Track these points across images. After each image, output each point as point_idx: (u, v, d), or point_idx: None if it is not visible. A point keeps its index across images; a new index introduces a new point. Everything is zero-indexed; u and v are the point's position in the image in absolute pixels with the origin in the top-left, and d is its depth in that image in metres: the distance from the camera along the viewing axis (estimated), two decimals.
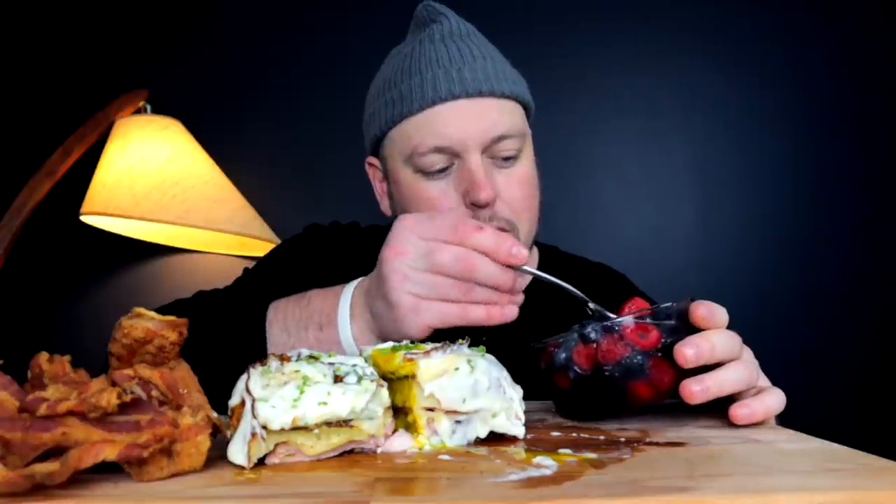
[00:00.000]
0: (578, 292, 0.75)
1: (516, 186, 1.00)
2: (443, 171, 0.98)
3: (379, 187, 1.13)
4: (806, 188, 1.97)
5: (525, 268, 0.74)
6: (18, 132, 1.95)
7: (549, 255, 1.20)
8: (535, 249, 1.18)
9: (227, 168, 1.83)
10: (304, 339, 0.82)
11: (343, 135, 1.79)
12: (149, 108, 1.86)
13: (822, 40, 1.99)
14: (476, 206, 0.96)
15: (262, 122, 1.99)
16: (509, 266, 0.73)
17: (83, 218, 1.73)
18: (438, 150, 0.97)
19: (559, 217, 1.96)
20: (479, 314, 0.73)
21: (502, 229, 0.98)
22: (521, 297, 0.76)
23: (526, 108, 1.06)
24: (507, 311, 0.74)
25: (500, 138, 0.98)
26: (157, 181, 1.67)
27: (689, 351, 0.63)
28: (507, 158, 1.00)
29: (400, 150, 1.01)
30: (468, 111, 0.97)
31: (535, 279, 1.15)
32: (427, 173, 0.98)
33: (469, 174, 0.96)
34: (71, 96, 1.95)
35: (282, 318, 0.85)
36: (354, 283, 0.83)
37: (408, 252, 0.73)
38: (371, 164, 1.12)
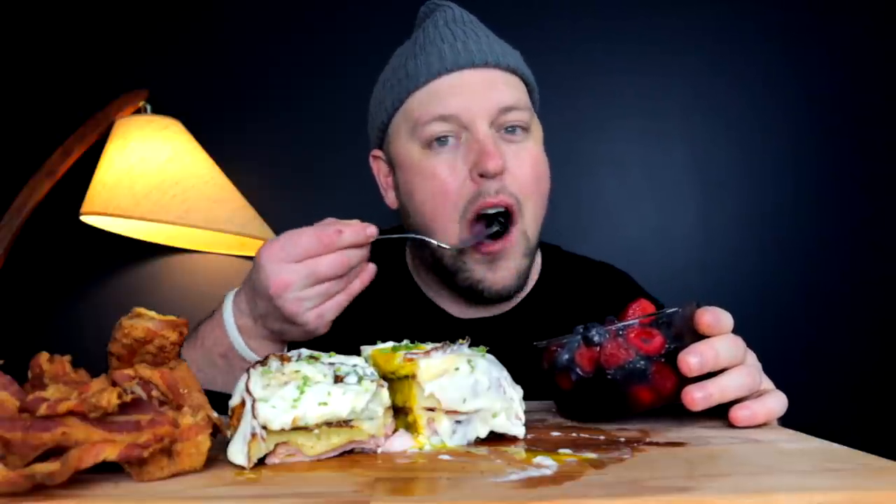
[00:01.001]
0: (428, 239, 0.93)
1: (526, 163, 0.98)
2: (448, 143, 0.96)
3: (384, 181, 1.10)
4: (806, 189, 1.97)
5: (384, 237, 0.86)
6: (18, 132, 1.95)
7: (551, 255, 1.19)
8: (539, 253, 1.16)
9: (227, 168, 1.83)
10: (219, 367, 0.89)
11: (343, 135, 1.80)
12: (149, 108, 1.86)
13: (823, 42, 1.99)
14: (484, 178, 0.94)
15: (262, 122, 1.99)
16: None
17: (83, 218, 1.73)
18: (443, 118, 0.95)
19: (561, 216, 1.96)
20: (357, 287, 0.85)
21: (509, 205, 0.95)
22: (366, 251, 0.85)
23: (530, 90, 1.05)
24: (369, 269, 0.86)
25: (508, 109, 0.96)
26: (157, 181, 1.67)
27: (692, 360, 0.63)
28: (514, 131, 0.98)
29: (405, 127, 0.99)
30: (474, 81, 0.96)
31: (541, 280, 1.16)
32: (433, 147, 0.96)
33: (478, 144, 0.94)
34: (71, 96, 1.95)
35: (190, 361, 0.89)
36: (229, 310, 0.88)
37: (292, 281, 0.80)
38: (375, 157, 1.10)
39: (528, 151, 0.99)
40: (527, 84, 1.04)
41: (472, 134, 0.95)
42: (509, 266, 0.98)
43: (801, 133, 1.98)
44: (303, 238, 0.80)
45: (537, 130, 1.03)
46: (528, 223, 0.99)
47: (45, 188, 1.76)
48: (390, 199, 1.10)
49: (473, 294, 1.02)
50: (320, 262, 0.80)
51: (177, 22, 2.01)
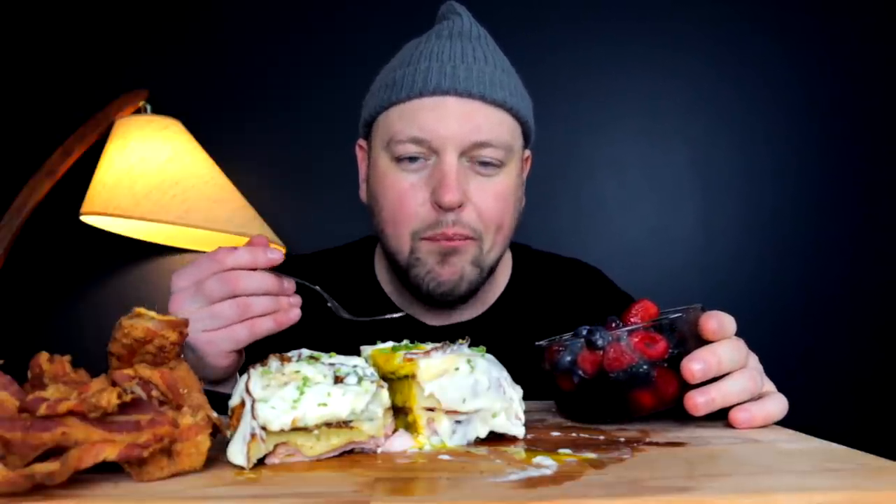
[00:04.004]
0: (329, 299, 0.83)
1: (490, 197, 0.97)
2: (417, 162, 0.96)
3: (363, 172, 1.10)
4: (806, 191, 1.97)
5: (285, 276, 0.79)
6: (18, 132, 1.95)
7: (521, 255, 1.19)
8: (510, 253, 1.16)
9: (227, 168, 1.83)
10: None
11: (343, 135, 1.79)
12: (149, 108, 1.86)
13: (824, 43, 1.99)
14: (440, 208, 0.94)
15: (261, 122, 1.99)
16: (273, 272, 0.78)
17: (83, 218, 1.73)
18: (415, 140, 0.95)
19: (561, 217, 1.96)
20: (266, 325, 0.78)
21: (467, 237, 0.96)
22: (298, 300, 0.80)
23: (523, 125, 1.03)
24: (291, 313, 0.79)
25: (481, 145, 0.95)
26: (157, 181, 1.67)
27: (696, 366, 0.63)
28: (485, 165, 0.97)
29: (382, 135, 1.00)
30: (453, 110, 0.95)
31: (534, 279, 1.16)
32: (402, 164, 0.97)
33: (440, 173, 0.94)
34: (71, 96, 1.95)
35: None
36: None
37: (182, 298, 0.77)
38: (360, 147, 1.11)
39: (495, 186, 0.98)
40: (518, 118, 1.01)
41: (439, 160, 0.95)
42: (456, 264, 0.98)
43: (801, 135, 1.98)
44: (198, 260, 0.78)
45: (514, 164, 1.01)
46: (485, 245, 0.99)
47: (45, 188, 1.76)
48: (363, 191, 1.10)
49: (420, 292, 1.01)
50: (208, 280, 0.76)
51: (177, 22, 2.01)
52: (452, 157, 0.94)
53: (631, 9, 2.00)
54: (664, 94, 1.99)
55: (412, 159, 0.96)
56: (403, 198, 0.96)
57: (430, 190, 0.95)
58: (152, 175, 1.67)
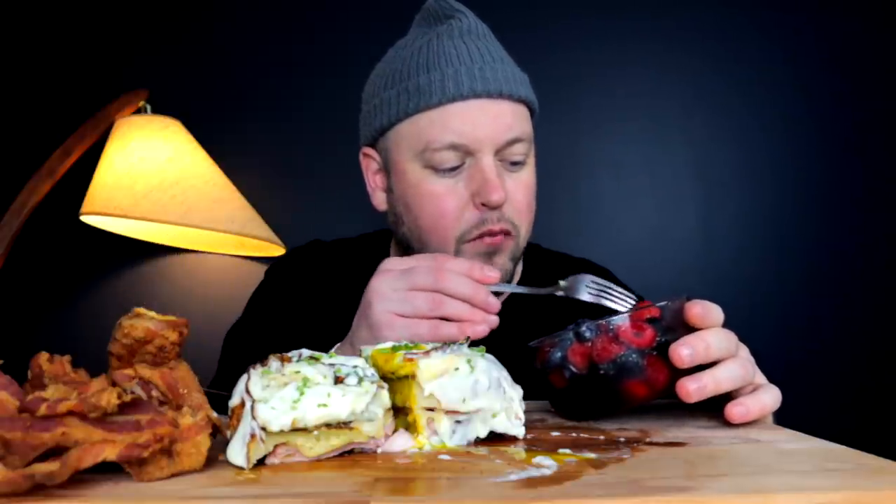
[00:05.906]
0: (548, 290, 0.86)
1: (521, 192, 1.01)
2: (453, 169, 0.98)
3: (372, 180, 1.10)
4: (807, 188, 1.97)
5: (498, 287, 0.81)
6: (18, 132, 1.95)
7: (532, 254, 1.19)
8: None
9: (227, 168, 1.83)
10: None
11: (343, 135, 1.79)
12: (149, 108, 1.86)
13: (823, 40, 1.99)
14: (486, 207, 0.97)
15: (262, 122, 1.99)
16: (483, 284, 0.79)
17: (83, 218, 1.73)
18: (453, 147, 0.96)
19: (560, 217, 1.96)
20: (449, 330, 0.78)
21: (507, 231, 0.99)
22: (494, 320, 0.80)
23: (533, 113, 1.07)
24: (478, 327, 0.78)
25: (514, 141, 0.98)
26: (157, 181, 1.67)
27: (684, 351, 0.64)
28: (514, 163, 1.00)
29: (410, 143, 0.99)
30: (486, 111, 0.97)
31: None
32: (437, 170, 0.98)
33: (482, 174, 0.96)
34: (71, 96, 1.95)
35: None
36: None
37: (388, 277, 0.79)
38: (367, 155, 1.09)
39: (523, 180, 1.02)
40: (531, 109, 1.05)
41: (476, 162, 0.97)
42: (503, 261, 1.01)
43: (801, 134, 1.98)
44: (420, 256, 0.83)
45: (532, 156, 1.05)
46: (520, 238, 1.03)
47: (45, 188, 1.76)
48: (378, 200, 1.10)
49: None
50: (420, 269, 0.78)
51: (177, 22, 2.01)
52: (490, 157, 0.97)
53: (630, 7, 1.99)
54: (664, 93, 1.99)
55: (451, 168, 0.98)
56: (444, 204, 0.98)
57: (469, 192, 0.97)
58: (152, 175, 1.67)
